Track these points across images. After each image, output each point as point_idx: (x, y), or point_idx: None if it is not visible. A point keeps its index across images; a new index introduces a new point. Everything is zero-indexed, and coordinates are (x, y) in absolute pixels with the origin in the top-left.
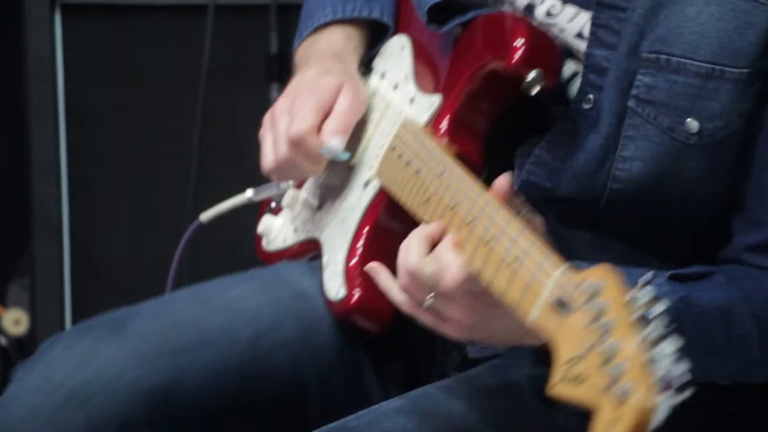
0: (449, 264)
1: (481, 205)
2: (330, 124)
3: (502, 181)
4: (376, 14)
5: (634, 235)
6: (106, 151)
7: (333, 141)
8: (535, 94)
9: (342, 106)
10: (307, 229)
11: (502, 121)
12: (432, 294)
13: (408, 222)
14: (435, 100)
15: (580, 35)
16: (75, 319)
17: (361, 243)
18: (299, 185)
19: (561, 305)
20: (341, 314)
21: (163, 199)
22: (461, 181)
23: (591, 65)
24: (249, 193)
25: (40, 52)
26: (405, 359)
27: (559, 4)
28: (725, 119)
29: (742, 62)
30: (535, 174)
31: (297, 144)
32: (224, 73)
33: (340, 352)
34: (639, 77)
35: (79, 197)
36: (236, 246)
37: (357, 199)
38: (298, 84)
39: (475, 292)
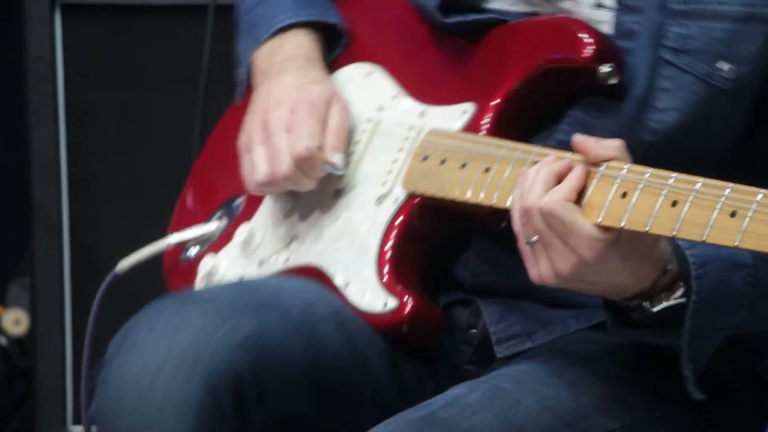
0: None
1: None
2: (331, 141)
3: (579, 137)
4: (335, 20)
5: None
6: (106, 151)
7: (336, 157)
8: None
9: (337, 121)
10: (288, 259)
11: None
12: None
13: (439, 222)
14: (466, 108)
15: (599, 5)
16: (75, 319)
17: (391, 253)
18: (235, 223)
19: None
20: (394, 324)
21: (163, 199)
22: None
23: (621, 32)
24: (170, 238)
25: (40, 52)
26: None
27: None
28: (761, 62)
29: None
30: (570, 134)
31: (304, 161)
32: (224, 73)
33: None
34: (671, 29)
35: (79, 197)
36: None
37: (370, 215)
38: (285, 93)
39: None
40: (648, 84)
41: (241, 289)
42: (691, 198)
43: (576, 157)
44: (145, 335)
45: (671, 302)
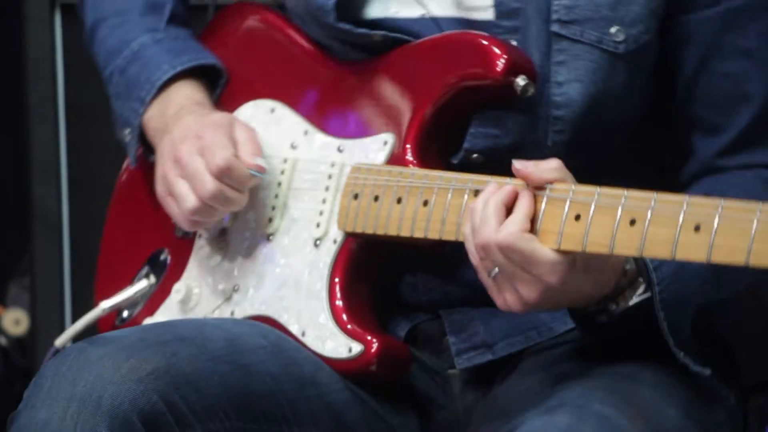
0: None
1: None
2: (245, 148)
3: (517, 165)
4: (212, 60)
5: (582, 171)
6: (106, 151)
7: (258, 160)
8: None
9: (245, 133)
10: (233, 312)
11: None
12: (496, 269)
13: (382, 255)
14: (386, 138)
15: None
16: (75, 320)
17: (341, 295)
18: (166, 280)
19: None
20: (362, 367)
21: None
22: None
23: (502, 12)
24: (103, 305)
25: (40, 52)
26: None
27: None
28: (645, 22)
29: None
30: (482, 125)
31: (225, 174)
32: None
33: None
34: (555, 2)
35: (79, 197)
36: None
37: (310, 258)
38: (188, 128)
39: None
40: (544, 60)
41: (154, 328)
42: (649, 215)
43: (516, 181)
44: (50, 383)
45: (635, 300)
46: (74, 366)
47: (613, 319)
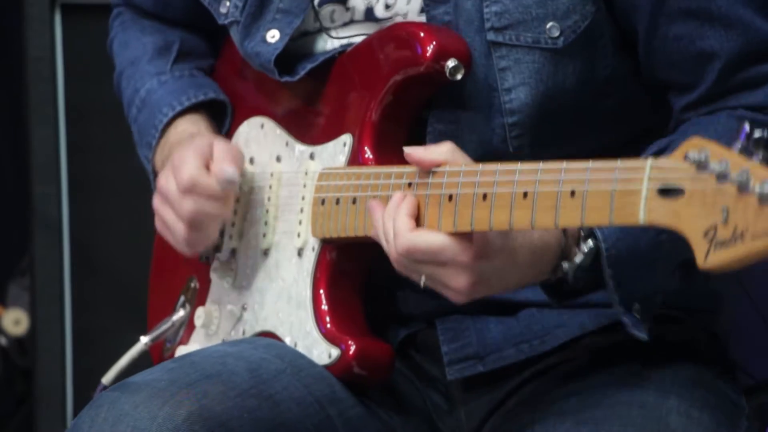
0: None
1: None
2: (217, 163)
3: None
4: (211, 95)
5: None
6: (106, 151)
7: (227, 168)
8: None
9: (221, 148)
10: (244, 331)
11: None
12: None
13: (359, 258)
14: (345, 140)
15: (423, 10)
16: (75, 319)
17: (324, 301)
18: (195, 308)
19: (666, 192)
20: (343, 372)
21: None
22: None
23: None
24: (143, 340)
25: (40, 52)
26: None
27: None
28: (579, 10)
29: None
30: (437, 134)
31: (192, 188)
32: None
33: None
34: (486, 10)
35: (79, 197)
36: None
37: (296, 269)
38: (170, 162)
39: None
40: (488, 69)
41: (180, 368)
42: (537, 188)
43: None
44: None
45: (586, 249)
46: (110, 417)
47: (574, 282)
